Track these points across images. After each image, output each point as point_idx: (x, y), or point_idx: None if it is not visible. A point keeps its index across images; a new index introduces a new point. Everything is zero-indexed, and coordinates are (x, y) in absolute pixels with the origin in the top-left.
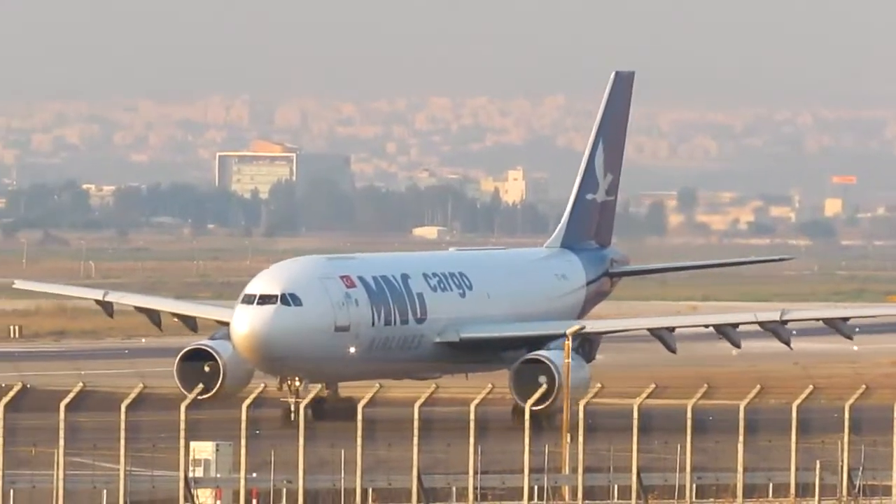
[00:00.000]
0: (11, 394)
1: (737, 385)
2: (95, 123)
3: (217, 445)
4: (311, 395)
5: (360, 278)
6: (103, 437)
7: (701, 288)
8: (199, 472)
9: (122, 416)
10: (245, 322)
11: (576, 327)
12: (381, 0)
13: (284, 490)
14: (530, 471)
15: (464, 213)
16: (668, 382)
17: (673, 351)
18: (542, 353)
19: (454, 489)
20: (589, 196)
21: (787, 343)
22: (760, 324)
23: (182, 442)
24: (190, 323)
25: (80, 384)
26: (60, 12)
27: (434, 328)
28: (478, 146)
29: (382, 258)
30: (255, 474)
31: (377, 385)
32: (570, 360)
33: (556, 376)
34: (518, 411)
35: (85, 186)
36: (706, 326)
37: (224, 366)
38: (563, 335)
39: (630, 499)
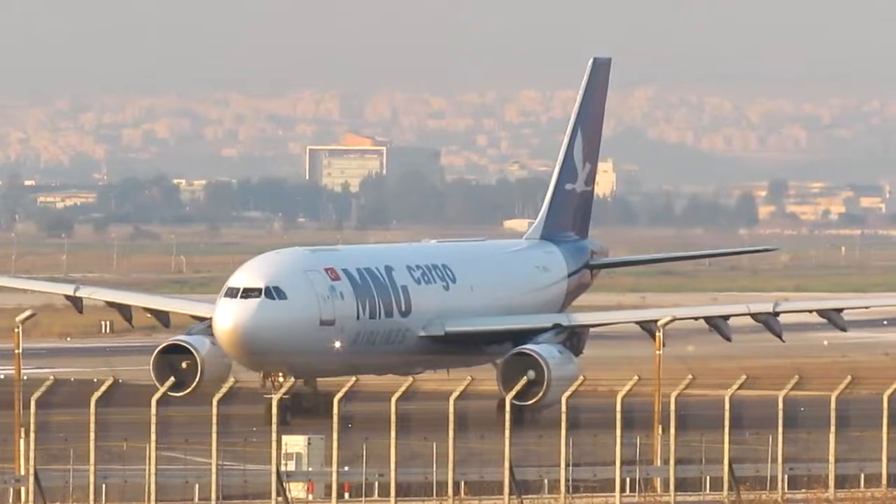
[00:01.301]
0: (103, 388)
1: (827, 376)
2: (185, 118)
3: (309, 439)
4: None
5: (345, 271)
6: (195, 432)
7: (794, 279)
8: (291, 466)
9: (214, 411)
10: (228, 316)
11: (667, 318)
12: None
13: (376, 483)
14: (622, 463)
15: None
16: (759, 374)
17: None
18: (530, 347)
19: (546, 481)
20: (568, 186)
21: (779, 336)
22: (753, 315)
23: (274, 436)
24: (162, 318)
25: (172, 379)
26: (150, 7)
27: (418, 322)
28: None
29: (366, 250)
30: (346, 467)
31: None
32: (660, 351)
33: (545, 370)
34: (503, 406)
35: (175, 181)
36: (696, 319)
37: (201, 361)
38: (550, 328)
39: (722, 490)
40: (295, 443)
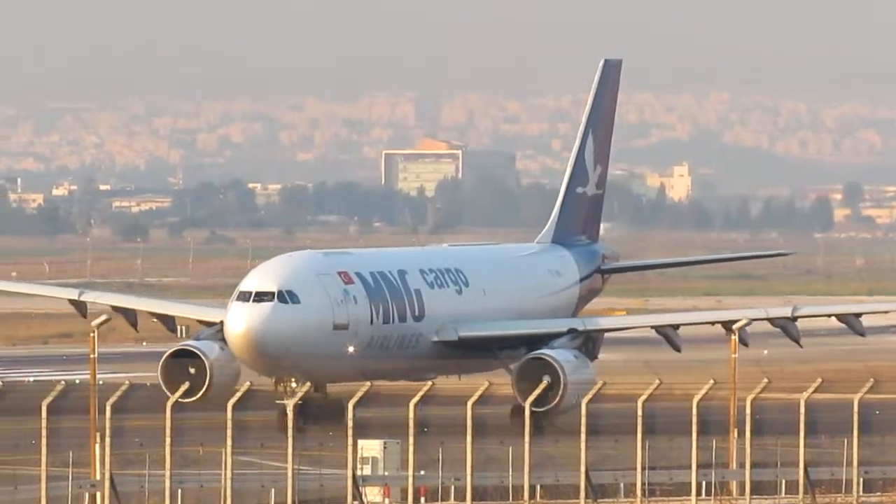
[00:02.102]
0: (178, 393)
1: None
2: (260, 122)
3: (385, 443)
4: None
5: (358, 274)
6: (271, 436)
7: (868, 282)
8: (367, 470)
9: (290, 415)
10: (241, 320)
11: (742, 322)
12: None
13: (452, 487)
14: (698, 466)
15: (629, 209)
16: (834, 377)
17: (678, 350)
18: (546, 352)
19: (622, 485)
20: (579, 189)
21: (797, 341)
22: (770, 320)
23: (350, 440)
24: (168, 323)
25: (248, 383)
26: (224, 12)
27: (432, 326)
28: (643, 142)
29: (379, 253)
30: (423, 472)
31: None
32: (736, 354)
33: (561, 375)
34: (518, 411)
35: (251, 185)
36: (712, 323)
37: (210, 367)
38: (565, 333)
39: (797, 493)
40: (371, 447)
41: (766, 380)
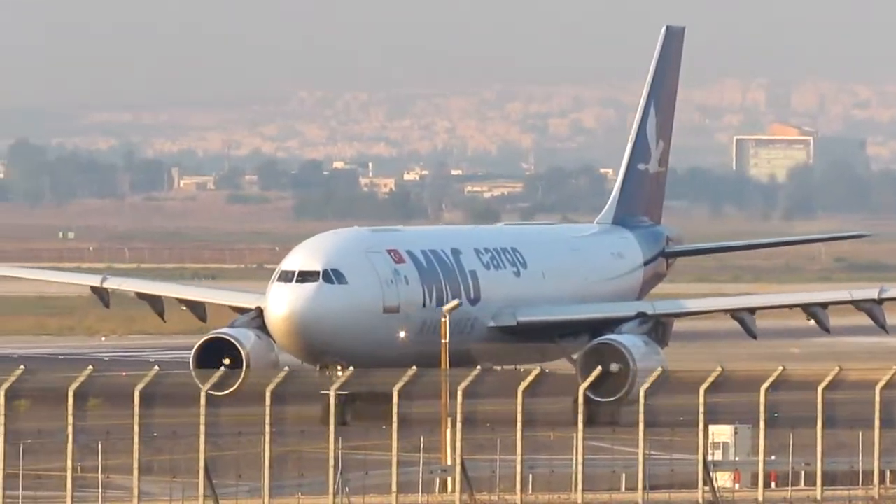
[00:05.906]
0: (530, 378)
1: None
2: (612, 107)
3: (735, 428)
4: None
5: (409, 252)
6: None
7: None
8: (718, 455)
9: (641, 401)
10: (283, 302)
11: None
12: None
13: (802, 472)
14: None
15: None
16: None
17: (754, 336)
18: (613, 337)
19: None
20: (641, 166)
21: (884, 326)
22: (855, 303)
23: (701, 425)
24: (198, 310)
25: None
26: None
27: (488, 310)
28: None
29: (430, 231)
30: (773, 457)
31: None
32: None
33: (631, 362)
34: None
35: (602, 170)
36: (791, 307)
37: (247, 356)
38: (632, 318)
39: None
40: (722, 432)
41: None
